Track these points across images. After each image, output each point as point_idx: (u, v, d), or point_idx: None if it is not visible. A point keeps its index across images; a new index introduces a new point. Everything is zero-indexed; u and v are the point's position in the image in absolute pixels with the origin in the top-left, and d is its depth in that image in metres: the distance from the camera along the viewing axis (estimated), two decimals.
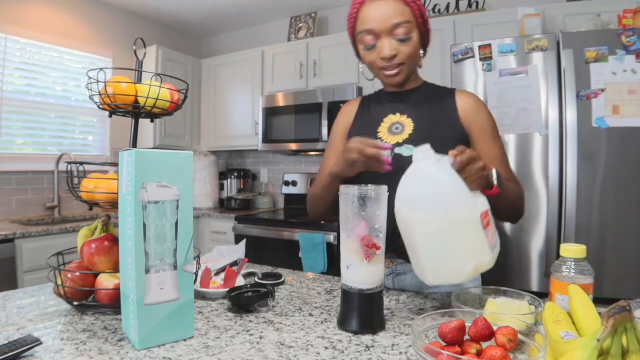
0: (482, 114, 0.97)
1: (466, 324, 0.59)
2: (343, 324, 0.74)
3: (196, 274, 0.90)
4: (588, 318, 0.58)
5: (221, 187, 3.37)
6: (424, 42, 0.97)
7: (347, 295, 0.74)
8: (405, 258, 0.94)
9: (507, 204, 0.88)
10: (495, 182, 0.79)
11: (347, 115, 1.10)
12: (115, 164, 0.78)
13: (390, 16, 0.88)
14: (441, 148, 0.87)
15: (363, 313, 0.72)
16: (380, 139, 0.97)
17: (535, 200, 1.82)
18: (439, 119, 0.96)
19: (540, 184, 1.81)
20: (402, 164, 0.88)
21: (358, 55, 1.00)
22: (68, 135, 2.88)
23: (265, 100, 2.96)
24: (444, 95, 1.00)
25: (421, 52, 0.97)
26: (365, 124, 1.03)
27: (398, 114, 0.99)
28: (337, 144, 1.09)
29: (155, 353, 0.64)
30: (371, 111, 1.05)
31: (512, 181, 0.94)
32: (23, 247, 2.04)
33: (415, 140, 0.91)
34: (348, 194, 0.73)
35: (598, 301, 0.65)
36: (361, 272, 0.72)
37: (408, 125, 0.96)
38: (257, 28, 3.61)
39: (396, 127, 0.98)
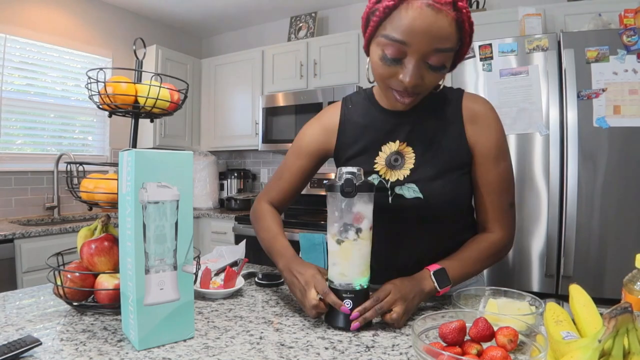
0: (489, 131, 0.83)
1: (466, 325, 0.59)
2: (329, 320, 0.75)
3: (196, 274, 0.90)
4: (589, 318, 0.58)
5: (221, 187, 3.37)
6: (455, 63, 0.80)
7: (333, 292, 0.75)
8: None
9: (471, 276, 0.86)
10: (438, 287, 0.78)
11: (326, 130, 0.94)
12: (115, 164, 0.77)
13: (435, 38, 0.68)
14: (444, 182, 0.83)
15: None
16: (380, 176, 0.86)
17: (535, 200, 1.82)
18: (443, 140, 0.84)
19: (541, 184, 1.81)
20: (405, 205, 0.83)
21: (367, 51, 0.79)
22: (67, 135, 2.88)
23: (265, 100, 2.96)
24: (449, 106, 0.85)
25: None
26: (360, 150, 0.89)
27: (397, 142, 0.86)
28: (301, 159, 0.95)
29: (155, 353, 0.63)
30: (363, 133, 0.89)
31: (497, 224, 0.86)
32: (22, 247, 2.04)
33: (416, 178, 0.83)
34: (335, 197, 0.74)
35: (599, 301, 0.64)
36: (345, 270, 0.74)
37: (409, 155, 0.85)
38: (257, 28, 3.61)
39: (395, 158, 0.85)
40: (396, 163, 0.85)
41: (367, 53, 0.80)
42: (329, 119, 0.95)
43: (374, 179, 0.86)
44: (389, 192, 0.85)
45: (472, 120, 0.84)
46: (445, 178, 0.83)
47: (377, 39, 0.73)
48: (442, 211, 0.85)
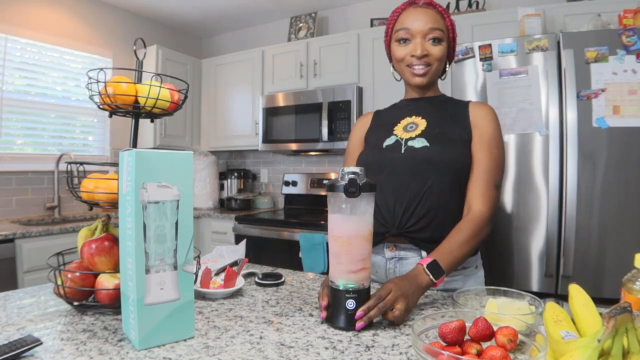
0: (488, 121, 1.01)
1: (466, 324, 0.59)
2: (331, 321, 0.76)
3: (196, 274, 0.90)
4: (589, 318, 0.58)
5: (221, 187, 3.37)
6: (450, 56, 1.06)
7: (334, 292, 0.75)
8: (414, 242, 0.99)
9: (462, 260, 0.90)
10: (434, 279, 0.82)
11: (364, 124, 1.18)
12: (115, 164, 0.78)
13: (427, 21, 0.98)
14: (448, 144, 0.99)
15: (349, 310, 0.74)
16: (395, 135, 1.06)
17: (535, 200, 1.82)
18: (451, 120, 1.03)
19: (541, 184, 1.81)
20: (415, 153, 1.00)
21: (389, 55, 1.08)
22: (68, 135, 2.88)
23: (265, 100, 2.96)
24: (459, 104, 1.07)
25: (446, 65, 1.07)
26: (384, 126, 1.11)
27: (414, 116, 1.07)
28: (353, 149, 1.17)
29: (155, 353, 0.64)
30: (387, 117, 1.13)
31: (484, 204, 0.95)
32: (23, 247, 2.04)
33: (426, 134, 1.01)
34: (336, 197, 0.74)
35: (598, 301, 0.64)
36: (347, 270, 0.74)
37: (421, 123, 1.04)
38: (257, 28, 3.61)
39: (410, 125, 1.06)
40: (411, 128, 1.05)
41: (390, 57, 1.08)
42: (365, 117, 1.20)
43: (392, 139, 1.05)
44: (403, 145, 1.02)
45: (476, 112, 1.03)
46: (448, 140, 0.99)
47: (394, 35, 1.04)
48: (445, 160, 0.97)
